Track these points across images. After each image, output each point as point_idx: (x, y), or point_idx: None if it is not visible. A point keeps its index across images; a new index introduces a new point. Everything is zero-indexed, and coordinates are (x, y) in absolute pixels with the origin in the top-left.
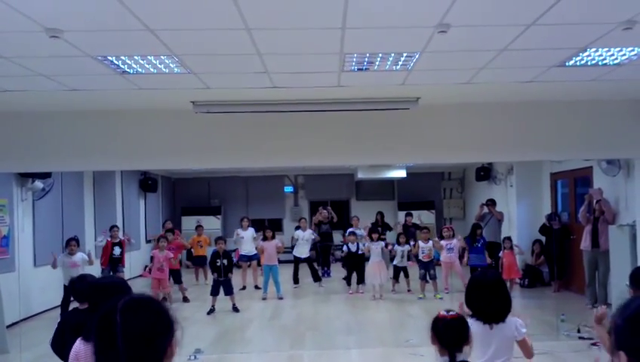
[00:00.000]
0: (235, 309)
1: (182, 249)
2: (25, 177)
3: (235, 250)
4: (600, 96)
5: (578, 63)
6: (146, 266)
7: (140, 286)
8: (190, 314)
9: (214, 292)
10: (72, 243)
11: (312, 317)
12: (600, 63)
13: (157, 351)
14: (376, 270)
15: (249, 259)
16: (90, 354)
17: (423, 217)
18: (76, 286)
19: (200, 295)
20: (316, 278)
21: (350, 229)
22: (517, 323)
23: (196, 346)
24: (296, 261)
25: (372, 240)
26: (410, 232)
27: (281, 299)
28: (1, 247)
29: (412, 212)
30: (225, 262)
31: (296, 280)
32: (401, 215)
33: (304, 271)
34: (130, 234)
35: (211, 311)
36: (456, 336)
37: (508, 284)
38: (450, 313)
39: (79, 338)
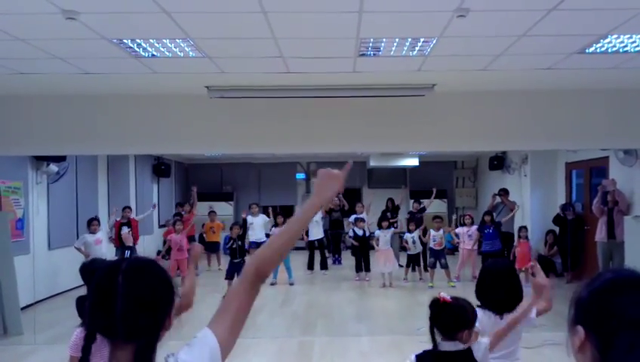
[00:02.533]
0: None
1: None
2: (40, 160)
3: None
4: (619, 85)
5: (598, 50)
6: (159, 251)
7: None
8: (201, 298)
9: (229, 276)
10: (95, 223)
11: (323, 304)
12: (621, 50)
13: (157, 319)
14: (383, 258)
15: (258, 246)
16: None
17: (435, 206)
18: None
19: (212, 280)
20: (323, 266)
21: (355, 216)
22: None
23: None
24: (311, 246)
25: (381, 228)
26: (416, 218)
27: (292, 284)
28: (16, 230)
29: (421, 200)
30: (239, 243)
31: (310, 266)
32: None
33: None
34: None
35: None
36: (443, 321)
37: (522, 273)
38: (444, 296)
39: (79, 327)
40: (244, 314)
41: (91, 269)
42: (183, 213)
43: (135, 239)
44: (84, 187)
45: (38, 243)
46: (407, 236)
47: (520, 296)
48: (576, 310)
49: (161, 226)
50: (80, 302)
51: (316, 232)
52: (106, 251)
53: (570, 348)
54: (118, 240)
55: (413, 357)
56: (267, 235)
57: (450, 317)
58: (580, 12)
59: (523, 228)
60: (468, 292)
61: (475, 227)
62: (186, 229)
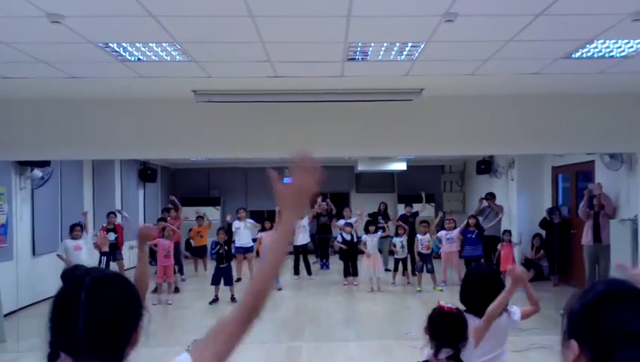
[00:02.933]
0: (234, 300)
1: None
2: (24, 165)
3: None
4: (605, 89)
5: (584, 55)
6: None
7: None
8: (189, 304)
9: (215, 282)
10: (77, 229)
11: (310, 309)
12: (607, 55)
13: (122, 336)
14: (370, 263)
15: (245, 251)
16: None
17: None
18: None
19: (199, 285)
20: (308, 271)
21: (344, 220)
22: (510, 312)
23: (195, 336)
24: (296, 251)
25: (368, 232)
26: (408, 222)
27: (280, 289)
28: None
29: (413, 204)
30: (226, 248)
31: (296, 271)
32: (401, 207)
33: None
34: (125, 212)
35: (214, 301)
36: (448, 331)
37: (508, 276)
38: (448, 306)
39: None
40: (232, 345)
41: (73, 276)
42: (168, 218)
43: (120, 245)
44: (69, 192)
45: (21, 249)
46: (396, 240)
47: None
48: (568, 323)
49: None
50: None
51: (302, 238)
52: (86, 258)
53: (564, 360)
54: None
55: None
56: (254, 240)
57: (461, 325)
58: (567, 17)
59: (507, 231)
60: (456, 297)
61: (456, 231)
62: (174, 235)
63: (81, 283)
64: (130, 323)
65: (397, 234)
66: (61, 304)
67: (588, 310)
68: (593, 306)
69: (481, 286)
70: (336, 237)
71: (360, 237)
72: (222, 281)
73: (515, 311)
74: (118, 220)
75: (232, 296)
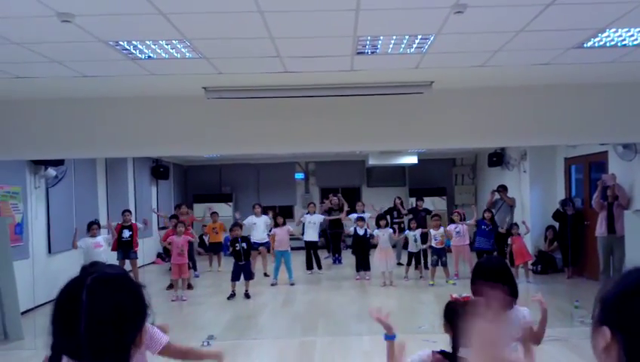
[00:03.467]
0: (247, 295)
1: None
2: (38, 165)
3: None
4: (618, 79)
5: (597, 45)
6: (159, 253)
7: (152, 274)
8: (203, 300)
9: (235, 278)
10: (94, 227)
11: (324, 304)
12: (619, 45)
13: (125, 337)
14: (382, 257)
15: (259, 246)
16: None
17: (434, 204)
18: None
19: (213, 281)
20: (319, 266)
21: (357, 215)
22: (524, 311)
23: (209, 332)
24: (308, 246)
25: (379, 227)
26: (420, 216)
27: (292, 285)
28: (15, 235)
29: (423, 198)
30: (244, 245)
31: (309, 266)
32: (413, 201)
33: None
34: (147, 218)
35: (232, 296)
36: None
37: (521, 269)
38: (463, 295)
39: None
40: None
41: (92, 272)
42: (179, 215)
43: (134, 244)
44: (83, 190)
45: (37, 247)
46: (409, 234)
47: (515, 293)
48: (601, 310)
49: (160, 228)
50: None
51: (311, 234)
52: (106, 256)
53: (594, 347)
54: (117, 244)
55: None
56: (267, 235)
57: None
58: (578, 6)
59: (514, 224)
60: (468, 290)
61: (461, 225)
62: (187, 237)
63: (82, 283)
64: (135, 323)
65: (410, 228)
66: (62, 305)
67: (622, 297)
68: (627, 294)
69: (491, 278)
70: (348, 233)
71: (372, 233)
72: (242, 276)
73: (527, 314)
74: (132, 220)
75: (246, 291)
